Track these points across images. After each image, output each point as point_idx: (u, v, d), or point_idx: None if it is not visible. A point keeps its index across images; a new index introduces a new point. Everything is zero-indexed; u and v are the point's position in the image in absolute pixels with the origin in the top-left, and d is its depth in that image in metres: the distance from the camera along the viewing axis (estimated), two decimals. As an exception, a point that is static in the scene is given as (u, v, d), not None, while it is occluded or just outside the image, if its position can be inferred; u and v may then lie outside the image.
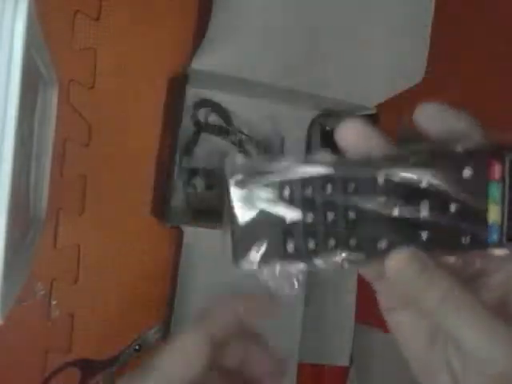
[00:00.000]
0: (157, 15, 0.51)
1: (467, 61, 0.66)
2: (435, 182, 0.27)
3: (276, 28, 0.50)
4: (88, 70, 0.49)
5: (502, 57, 0.68)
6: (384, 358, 0.66)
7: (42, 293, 0.49)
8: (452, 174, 0.27)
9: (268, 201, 0.28)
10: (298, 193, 0.28)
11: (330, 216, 0.28)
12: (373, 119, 0.56)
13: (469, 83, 0.66)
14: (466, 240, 0.27)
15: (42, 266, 0.48)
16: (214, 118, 0.54)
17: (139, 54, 0.51)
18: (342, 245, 0.28)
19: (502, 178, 0.27)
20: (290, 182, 0.28)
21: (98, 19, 0.49)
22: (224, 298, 0.32)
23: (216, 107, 0.54)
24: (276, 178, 0.28)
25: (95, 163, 0.50)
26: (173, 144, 0.50)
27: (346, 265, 0.28)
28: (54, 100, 0.44)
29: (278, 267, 0.28)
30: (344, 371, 0.64)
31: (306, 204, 0.28)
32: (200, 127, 0.53)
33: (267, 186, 0.28)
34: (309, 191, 0.28)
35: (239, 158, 0.28)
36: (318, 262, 0.28)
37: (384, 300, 0.32)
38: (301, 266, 0.28)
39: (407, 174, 0.27)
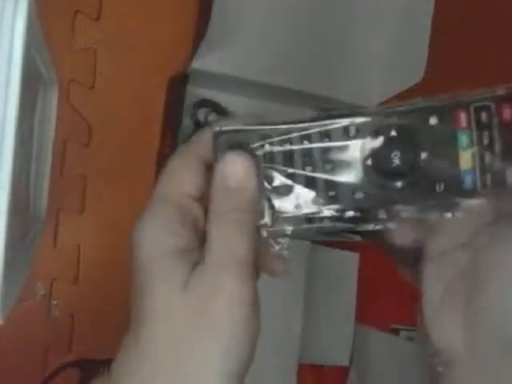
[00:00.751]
0: (157, 15, 0.51)
1: (467, 61, 0.66)
2: (404, 130, 0.28)
3: (276, 28, 0.50)
4: (88, 70, 0.49)
5: (503, 57, 0.68)
6: (384, 357, 0.66)
7: (42, 293, 0.49)
8: (419, 123, 0.28)
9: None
10: (278, 150, 0.30)
11: (308, 170, 0.29)
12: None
13: (469, 83, 0.66)
14: (440, 187, 0.28)
15: (42, 266, 0.48)
16: (213, 118, 0.54)
17: (139, 54, 0.51)
18: (322, 197, 0.29)
19: (469, 126, 0.28)
20: (270, 141, 0.30)
21: (98, 19, 0.49)
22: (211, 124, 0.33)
23: (216, 107, 0.54)
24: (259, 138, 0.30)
25: (95, 163, 0.50)
26: (173, 144, 0.50)
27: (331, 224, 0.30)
28: (54, 100, 0.44)
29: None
30: (344, 371, 0.64)
31: (285, 160, 0.30)
32: (200, 127, 0.53)
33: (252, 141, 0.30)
34: (287, 148, 0.29)
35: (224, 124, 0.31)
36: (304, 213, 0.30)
37: (430, 248, 0.32)
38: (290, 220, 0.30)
39: (376, 122, 0.28)
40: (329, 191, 0.29)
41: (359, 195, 0.29)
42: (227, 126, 0.31)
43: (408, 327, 0.66)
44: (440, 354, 0.31)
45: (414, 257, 0.33)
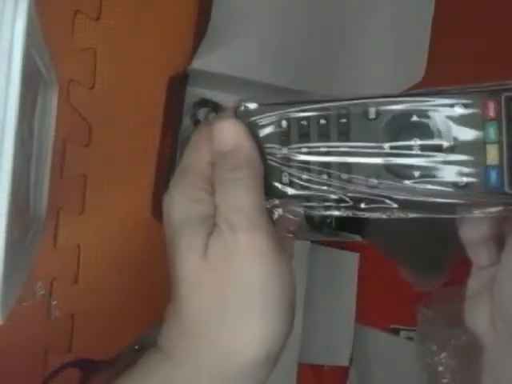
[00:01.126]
0: (157, 15, 0.51)
1: (467, 61, 0.66)
2: (426, 117, 0.26)
3: (276, 28, 0.50)
4: (88, 70, 0.49)
5: (503, 57, 0.68)
6: (384, 357, 0.66)
7: (42, 293, 0.49)
8: (443, 111, 0.26)
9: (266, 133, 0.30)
10: (295, 127, 0.29)
11: (323, 149, 0.28)
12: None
13: (469, 83, 0.66)
14: (462, 183, 0.26)
15: (42, 265, 0.48)
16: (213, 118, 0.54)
17: (139, 54, 0.51)
18: (334, 178, 0.28)
19: (498, 117, 0.25)
20: (288, 118, 0.29)
21: (98, 19, 0.49)
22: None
23: (216, 107, 0.54)
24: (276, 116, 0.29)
25: (95, 163, 0.50)
26: (173, 144, 0.50)
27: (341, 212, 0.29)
28: (54, 100, 0.44)
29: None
30: (344, 371, 0.64)
31: (301, 137, 0.29)
32: (200, 127, 0.53)
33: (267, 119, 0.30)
34: (304, 125, 0.29)
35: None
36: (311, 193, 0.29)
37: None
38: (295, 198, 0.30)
39: (397, 107, 0.27)
40: (342, 174, 0.28)
41: (373, 181, 0.28)
42: (247, 102, 0.31)
43: (408, 327, 0.66)
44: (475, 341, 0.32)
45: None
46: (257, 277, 0.29)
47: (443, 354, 0.62)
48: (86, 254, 0.50)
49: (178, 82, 0.50)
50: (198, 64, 0.48)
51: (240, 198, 0.30)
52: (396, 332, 0.67)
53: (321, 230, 0.61)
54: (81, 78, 0.49)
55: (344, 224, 0.61)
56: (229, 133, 0.31)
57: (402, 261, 0.61)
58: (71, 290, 0.50)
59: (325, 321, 0.63)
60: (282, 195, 0.30)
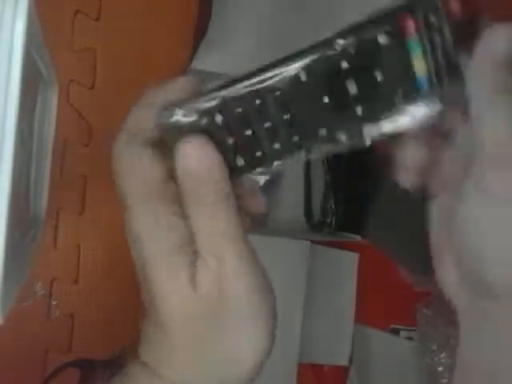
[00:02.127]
0: (157, 15, 0.51)
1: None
2: (355, 59, 0.27)
3: (276, 28, 0.50)
4: (88, 70, 0.49)
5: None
6: (384, 357, 0.66)
7: (42, 293, 0.49)
8: (368, 44, 0.27)
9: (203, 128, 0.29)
10: (229, 113, 0.28)
11: (267, 124, 0.29)
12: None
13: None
14: (399, 99, 0.28)
15: (42, 266, 0.48)
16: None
17: (139, 54, 0.51)
18: (286, 145, 0.29)
19: (419, 31, 0.27)
20: (221, 110, 0.29)
21: (98, 19, 0.49)
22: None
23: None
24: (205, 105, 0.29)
25: (95, 163, 0.50)
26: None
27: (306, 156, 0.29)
28: (54, 100, 0.44)
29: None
30: (344, 371, 0.64)
31: (241, 121, 0.29)
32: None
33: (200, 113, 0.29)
34: (239, 109, 0.28)
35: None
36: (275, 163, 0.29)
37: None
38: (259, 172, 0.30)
39: (323, 58, 0.27)
40: (293, 137, 0.29)
41: (322, 131, 0.28)
42: (169, 110, 0.29)
43: (408, 327, 0.66)
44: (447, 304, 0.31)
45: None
46: (246, 301, 0.29)
47: (443, 354, 0.62)
48: (86, 254, 0.50)
49: (178, 82, 0.50)
50: (197, 64, 0.48)
51: (218, 224, 0.29)
52: (396, 332, 0.67)
53: (321, 230, 0.61)
54: (81, 78, 0.49)
55: (344, 224, 0.61)
56: (197, 160, 0.28)
57: (402, 261, 0.61)
58: (71, 289, 0.50)
59: (325, 321, 0.63)
60: (240, 175, 0.30)
